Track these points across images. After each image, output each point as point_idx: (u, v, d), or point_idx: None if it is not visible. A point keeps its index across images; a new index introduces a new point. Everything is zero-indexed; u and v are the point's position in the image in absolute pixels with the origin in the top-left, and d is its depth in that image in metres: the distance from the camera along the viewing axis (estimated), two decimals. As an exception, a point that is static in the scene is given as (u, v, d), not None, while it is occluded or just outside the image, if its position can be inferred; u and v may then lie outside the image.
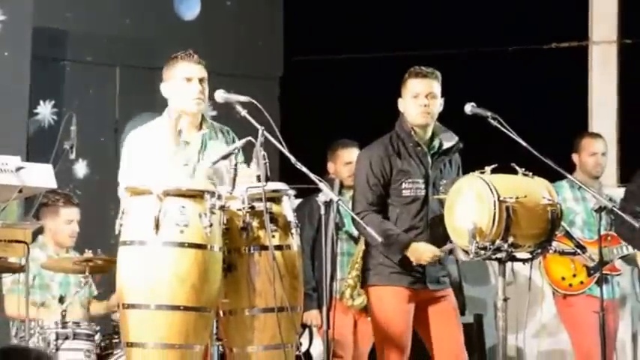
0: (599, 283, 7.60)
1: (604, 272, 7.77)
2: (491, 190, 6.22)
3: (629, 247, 7.95)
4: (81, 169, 9.26)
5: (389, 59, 9.60)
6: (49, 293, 7.67)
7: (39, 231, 7.78)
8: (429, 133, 6.87)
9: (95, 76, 9.60)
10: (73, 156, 8.87)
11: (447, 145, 6.87)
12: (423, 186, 6.78)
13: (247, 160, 6.20)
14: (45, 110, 9.29)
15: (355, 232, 7.77)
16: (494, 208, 6.18)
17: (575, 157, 8.36)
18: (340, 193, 7.79)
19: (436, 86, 6.81)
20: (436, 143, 6.86)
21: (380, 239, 6.37)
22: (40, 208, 7.83)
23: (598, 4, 10.37)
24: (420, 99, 6.78)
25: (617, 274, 8.26)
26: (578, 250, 7.38)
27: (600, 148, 8.43)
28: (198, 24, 9.90)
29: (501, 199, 6.19)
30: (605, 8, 10.36)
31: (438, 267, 6.79)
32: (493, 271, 9.10)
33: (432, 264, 6.76)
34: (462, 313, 8.32)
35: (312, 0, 10.77)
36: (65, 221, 7.85)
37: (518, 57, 10.37)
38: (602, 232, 7.40)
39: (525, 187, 6.33)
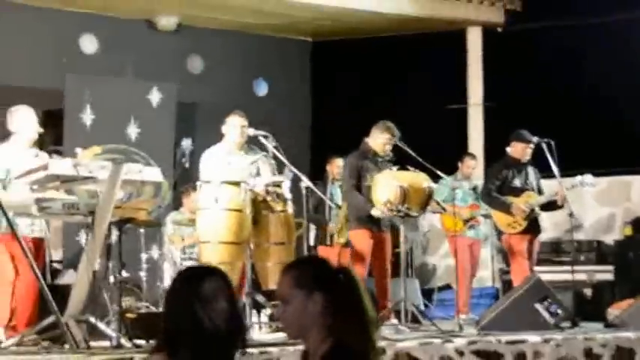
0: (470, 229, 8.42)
1: (471, 223, 8.49)
2: (395, 179, 6.82)
3: (486, 210, 8.30)
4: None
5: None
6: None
7: None
8: None
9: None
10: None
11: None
12: None
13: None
14: None
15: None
16: (397, 190, 6.70)
17: (460, 164, 8.78)
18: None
19: None
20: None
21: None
22: None
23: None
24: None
25: (479, 224, 8.67)
26: (444, 210, 7.96)
27: (473, 165, 8.89)
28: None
29: (401, 184, 6.72)
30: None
31: None
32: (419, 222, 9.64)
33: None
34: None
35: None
36: None
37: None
38: (470, 203, 8.39)
39: (414, 179, 6.84)
